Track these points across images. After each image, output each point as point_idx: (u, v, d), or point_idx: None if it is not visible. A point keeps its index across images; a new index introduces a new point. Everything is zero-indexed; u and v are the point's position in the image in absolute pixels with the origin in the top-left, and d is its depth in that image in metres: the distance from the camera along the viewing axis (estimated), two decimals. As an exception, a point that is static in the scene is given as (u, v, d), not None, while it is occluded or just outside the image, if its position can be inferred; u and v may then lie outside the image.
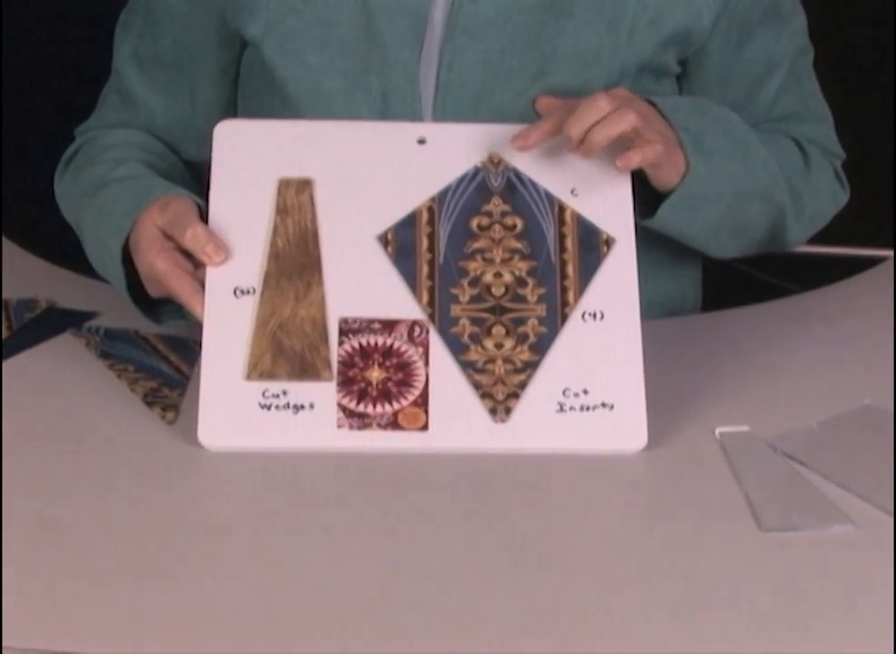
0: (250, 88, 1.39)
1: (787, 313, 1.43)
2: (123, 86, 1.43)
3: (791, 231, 1.39)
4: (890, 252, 1.61)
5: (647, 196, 1.27)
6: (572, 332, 1.20)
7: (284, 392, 1.18)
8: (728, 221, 1.32)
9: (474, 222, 1.23)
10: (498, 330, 1.20)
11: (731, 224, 1.33)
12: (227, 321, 1.20)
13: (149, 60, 1.42)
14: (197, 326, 1.21)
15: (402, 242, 1.22)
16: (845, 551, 1.05)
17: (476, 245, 1.23)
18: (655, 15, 1.32)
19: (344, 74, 1.32)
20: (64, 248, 1.45)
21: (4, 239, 1.55)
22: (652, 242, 1.34)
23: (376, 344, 1.19)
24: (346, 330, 1.20)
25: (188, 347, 1.31)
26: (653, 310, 1.40)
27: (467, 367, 1.19)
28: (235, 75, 1.41)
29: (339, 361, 1.19)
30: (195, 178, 1.40)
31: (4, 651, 0.93)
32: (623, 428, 1.17)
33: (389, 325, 1.20)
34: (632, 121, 1.19)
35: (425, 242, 1.22)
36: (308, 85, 1.33)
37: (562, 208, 1.23)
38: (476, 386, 1.18)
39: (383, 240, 1.22)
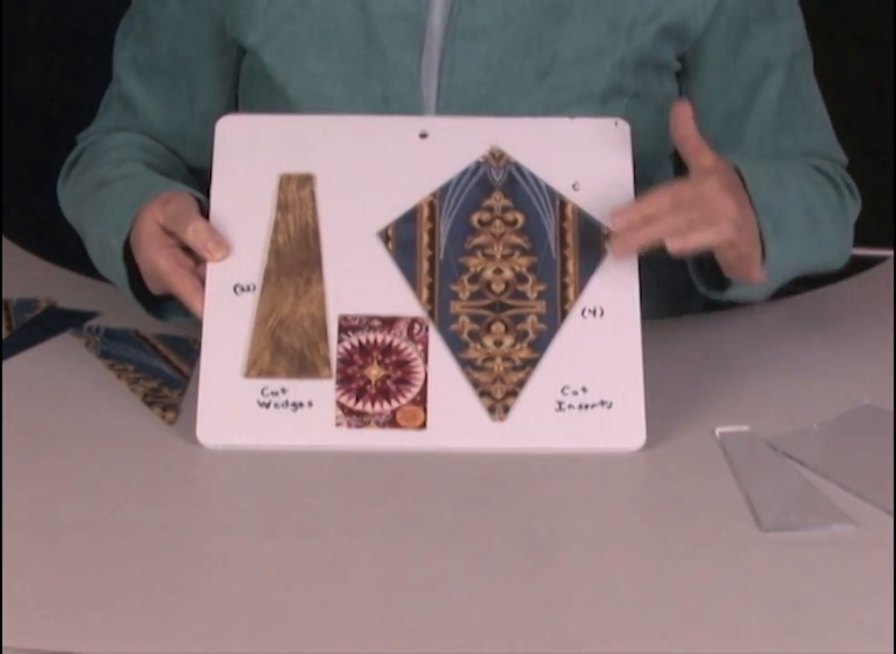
0: (250, 95, 1.39)
1: (787, 313, 1.43)
2: (123, 92, 1.44)
3: None
4: (890, 252, 1.61)
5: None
6: (572, 330, 1.20)
7: (283, 390, 1.18)
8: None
9: (475, 218, 1.23)
10: (497, 327, 1.20)
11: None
12: (227, 318, 1.19)
13: (148, 67, 1.42)
14: (198, 325, 1.21)
15: (402, 238, 1.22)
16: (845, 551, 1.05)
17: (477, 241, 1.22)
18: (654, 11, 1.32)
19: (345, 80, 1.32)
20: (64, 248, 1.45)
21: (4, 239, 1.56)
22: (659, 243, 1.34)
23: (375, 342, 1.19)
24: (346, 327, 1.20)
25: (188, 347, 1.31)
26: (659, 311, 1.40)
27: (466, 365, 1.19)
28: (235, 82, 1.41)
29: (338, 359, 1.19)
30: (197, 184, 1.40)
31: (4, 651, 0.93)
32: (622, 426, 1.17)
33: (388, 322, 1.20)
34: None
35: (426, 238, 1.22)
36: (309, 92, 1.33)
37: (563, 203, 1.23)
38: (475, 384, 1.18)
39: (384, 236, 1.22)
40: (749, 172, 1.25)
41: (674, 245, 1.18)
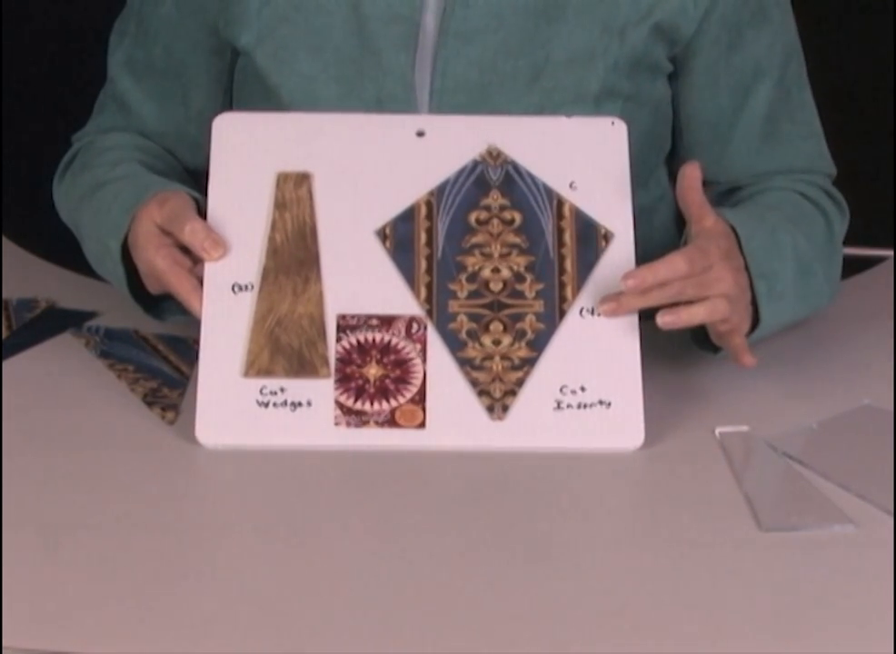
0: (244, 96, 1.39)
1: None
2: (117, 93, 1.44)
3: None
4: (890, 252, 1.61)
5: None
6: (570, 329, 1.20)
7: (282, 389, 1.18)
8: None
9: (473, 217, 1.23)
10: (496, 326, 1.20)
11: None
12: (225, 317, 1.19)
13: (142, 68, 1.42)
14: (197, 324, 1.21)
15: (400, 237, 1.22)
16: (845, 551, 1.05)
17: (475, 240, 1.22)
18: (646, 11, 1.32)
19: (338, 81, 1.32)
20: (64, 248, 1.45)
21: (4, 239, 1.56)
22: (656, 242, 1.34)
23: (374, 341, 1.19)
24: (344, 326, 1.20)
25: (188, 347, 1.31)
26: (657, 310, 1.40)
27: (465, 364, 1.19)
28: (229, 83, 1.41)
29: (337, 358, 1.19)
30: (193, 184, 1.40)
31: (4, 651, 0.93)
32: (620, 426, 1.17)
33: (387, 321, 1.20)
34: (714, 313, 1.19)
35: (423, 237, 1.22)
36: (302, 93, 1.33)
37: (560, 202, 1.23)
38: (474, 383, 1.18)
39: (382, 234, 1.22)
40: (745, 234, 1.24)
41: (665, 320, 1.18)
